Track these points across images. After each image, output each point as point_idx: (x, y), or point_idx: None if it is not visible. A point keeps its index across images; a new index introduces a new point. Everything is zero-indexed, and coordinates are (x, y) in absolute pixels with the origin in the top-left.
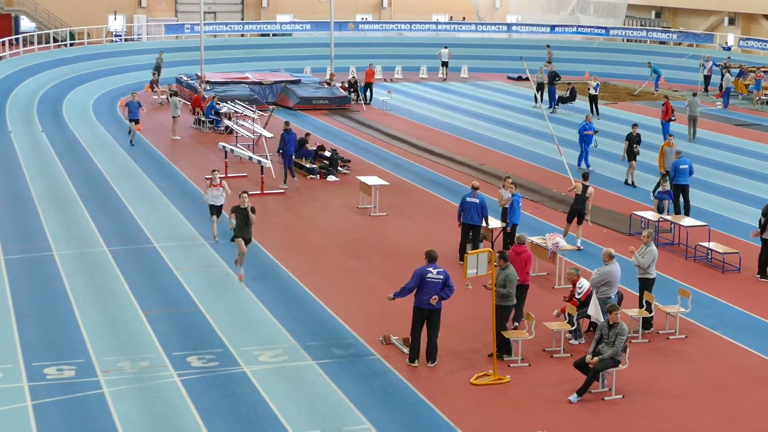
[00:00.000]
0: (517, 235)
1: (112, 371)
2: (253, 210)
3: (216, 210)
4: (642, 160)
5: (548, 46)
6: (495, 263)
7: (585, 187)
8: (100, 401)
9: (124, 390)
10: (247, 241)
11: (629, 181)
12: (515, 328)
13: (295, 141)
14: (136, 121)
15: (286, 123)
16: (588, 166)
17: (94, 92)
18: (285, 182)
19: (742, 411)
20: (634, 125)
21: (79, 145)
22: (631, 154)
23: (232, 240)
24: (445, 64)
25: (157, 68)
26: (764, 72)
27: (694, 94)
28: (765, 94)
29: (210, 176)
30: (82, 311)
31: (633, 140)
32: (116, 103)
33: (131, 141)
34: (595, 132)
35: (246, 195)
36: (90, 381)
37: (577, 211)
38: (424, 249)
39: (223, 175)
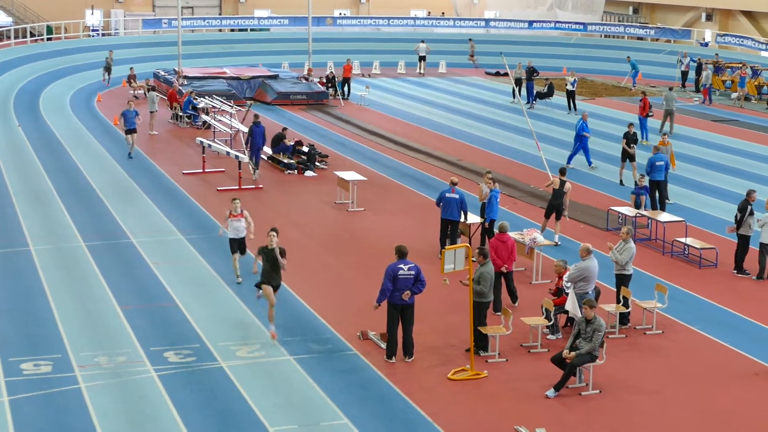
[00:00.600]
0: (500, 223)
1: (89, 366)
2: (282, 252)
3: (238, 245)
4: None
5: (471, 39)
6: (473, 259)
7: (562, 183)
8: (77, 396)
9: (101, 385)
10: (276, 288)
11: (622, 181)
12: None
13: (264, 134)
14: (133, 131)
15: (256, 116)
16: (590, 164)
17: (71, 87)
18: (254, 173)
19: (717, 406)
20: (630, 124)
21: (56, 139)
22: (626, 154)
23: (258, 287)
24: (422, 58)
25: (107, 68)
26: (752, 69)
27: (671, 89)
28: (740, 90)
29: (230, 207)
30: (59, 306)
31: (630, 139)
32: (93, 98)
33: (129, 153)
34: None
35: (275, 234)
36: (67, 376)
37: (555, 206)
38: (398, 244)
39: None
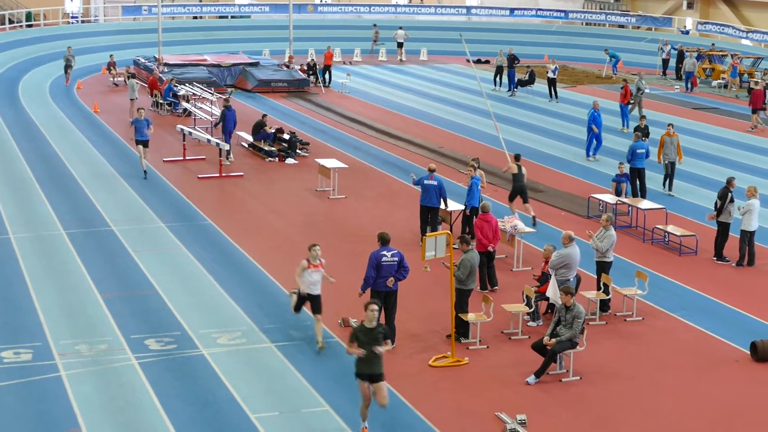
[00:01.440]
0: (482, 204)
1: (69, 354)
2: (384, 334)
3: (315, 303)
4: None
5: (375, 25)
6: (455, 246)
7: (519, 167)
8: (58, 384)
9: (81, 373)
10: (376, 378)
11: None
12: (493, 291)
13: (235, 118)
14: (145, 144)
15: (226, 99)
16: (595, 153)
17: (50, 74)
18: (228, 158)
19: (696, 391)
20: (642, 117)
21: (35, 127)
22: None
23: (357, 377)
24: (400, 45)
25: (67, 66)
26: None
27: (639, 75)
28: (722, 78)
29: (307, 255)
30: (38, 294)
31: (643, 132)
32: (73, 85)
33: (144, 172)
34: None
35: (375, 308)
36: (47, 364)
37: (518, 189)
38: (380, 231)
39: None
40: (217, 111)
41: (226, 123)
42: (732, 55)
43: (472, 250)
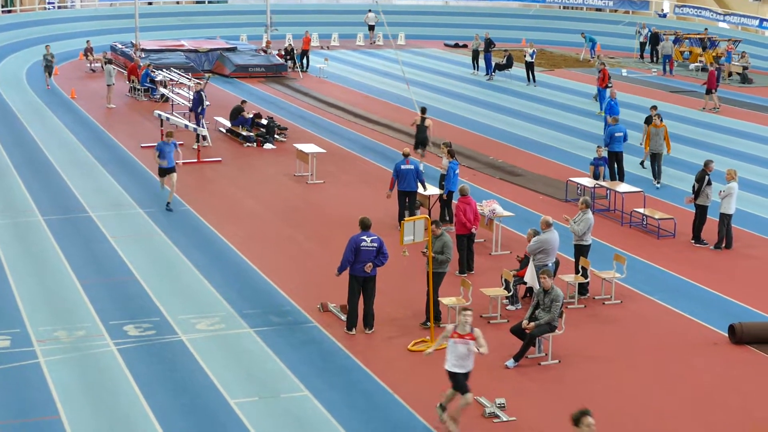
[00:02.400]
0: (460, 186)
1: (48, 341)
2: None
3: (459, 383)
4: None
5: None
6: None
7: (423, 119)
8: (37, 371)
9: (60, 359)
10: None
11: (644, 164)
12: (470, 274)
13: (198, 100)
14: (171, 171)
15: (197, 84)
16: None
17: (27, 60)
18: (204, 141)
19: (674, 374)
20: (653, 107)
21: (12, 113)
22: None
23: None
24: (371, 28)
25: (48, 67)
26: (710, 40)
27: (599, 58)
28: (700, 61)
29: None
30: (17, 281)
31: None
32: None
33: (168, 203)
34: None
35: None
36: (26, 351)
37: (420, 139)
38: (361, 216)
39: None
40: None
41: (192, 105)
42: (729, 41)
43: (445, 233)
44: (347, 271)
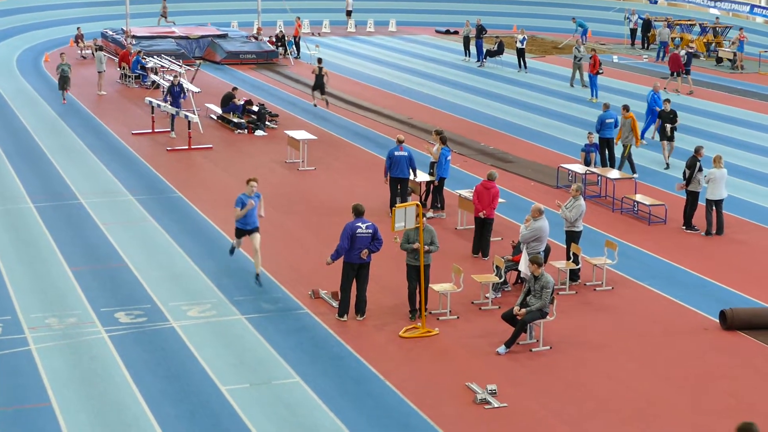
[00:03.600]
0: (489, 172)
1: (39, 328)
2: None
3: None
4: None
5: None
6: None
7: (320, 68)
8: (28, 358)
9: (51, 347)
10: None
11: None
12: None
13: (180, 92)
14: (254, 231)
15: (175, 77)
16: (642, 137)
17: (18, 47)
18: (172, 131)
19: (664, 359)
20: (666, 101)
21: (3, 100)
22: (664, 134)
23: None
24: (349, 14)
25: (64, 78)
26: (701, 26)
27: (578, 42)
28: (690, 47)
29: None
30: (8, 268)
31: (665, 118)
32: (41, 58)
33: (257, 277)
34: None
35: None
36: (17, 338)
37: (318, 85)
38: (352, 203)
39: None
40: (185, 83)
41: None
42: (741, 30)
43: (428, 225)
44: (343, 258)
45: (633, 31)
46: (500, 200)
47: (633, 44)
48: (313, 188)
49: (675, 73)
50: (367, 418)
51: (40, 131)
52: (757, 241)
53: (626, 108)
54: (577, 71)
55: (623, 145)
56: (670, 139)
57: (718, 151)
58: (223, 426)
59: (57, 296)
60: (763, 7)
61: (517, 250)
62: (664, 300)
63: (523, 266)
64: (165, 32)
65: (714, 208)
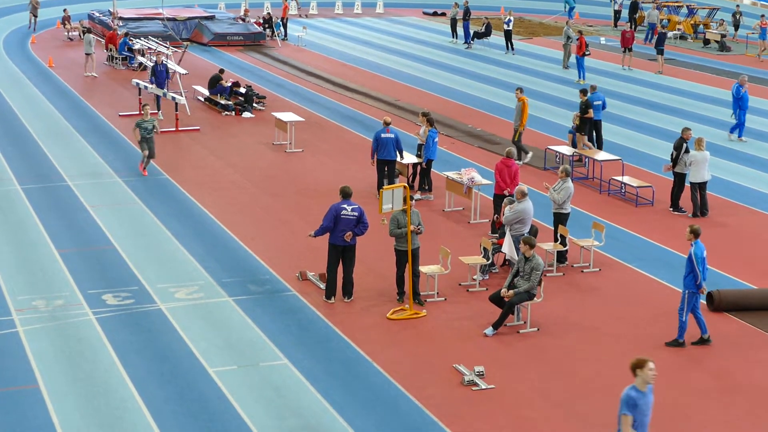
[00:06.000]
0: (507, 149)
1: (26, 310)
2: None
3: None
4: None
5: None
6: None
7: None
8: (15, 340)
9: (38, 329)
10: None
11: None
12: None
13: (164, 74)
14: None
15: (158, 54)
16: (740, 135)
17: (3, 29)
18: (158, 111)
19: (651, 340)
20: (583, 91)
21: None
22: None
23: None
24: None
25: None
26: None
27: (567, 25)
28: (678, 29)
29: None
30: None
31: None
32: (27, 40)
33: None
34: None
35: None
36: (4, 320)
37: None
38: (339, 185)
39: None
40: (173, 65)
41: (159, 77)
42: (762, 16)
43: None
44: (327, 240)
45: (617, 13)
46: (487, 181)
47: (616, 25)
48: (300, 170)
49: (626, 49)
50: (355, 399)
51: (27, 113)
52: (741, 223)
53: (521, 90)
54: (566, 53)
55: (513, 129)
56: (579, 129)
57: (704, 132)
58: (211, 408)
59: (44, 278)
60: None
61: (501, 233)
62: (651, 281)
63: (507, 248)
64: (152, 14)
65: (698, 190)
